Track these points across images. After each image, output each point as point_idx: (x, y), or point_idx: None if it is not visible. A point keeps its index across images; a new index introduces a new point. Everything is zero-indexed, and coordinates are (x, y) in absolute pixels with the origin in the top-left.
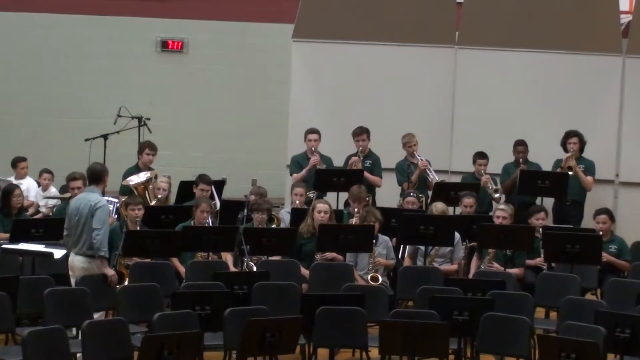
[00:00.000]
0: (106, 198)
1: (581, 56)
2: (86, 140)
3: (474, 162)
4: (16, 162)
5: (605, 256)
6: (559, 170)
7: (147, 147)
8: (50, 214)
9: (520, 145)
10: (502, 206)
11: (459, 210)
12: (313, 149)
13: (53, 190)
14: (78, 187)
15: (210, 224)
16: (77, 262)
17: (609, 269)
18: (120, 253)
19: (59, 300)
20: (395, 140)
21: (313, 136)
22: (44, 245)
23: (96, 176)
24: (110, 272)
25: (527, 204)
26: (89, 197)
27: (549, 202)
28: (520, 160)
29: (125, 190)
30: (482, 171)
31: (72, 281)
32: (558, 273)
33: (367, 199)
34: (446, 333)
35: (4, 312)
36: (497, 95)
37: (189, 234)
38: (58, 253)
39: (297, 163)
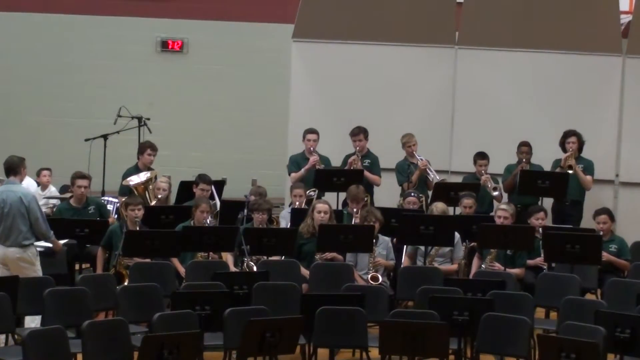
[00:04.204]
0: (106, 198)
1: (581, 56)
2: (86, 140)
3: (475, 162)
4: None
5: (606, 256)
6: (558, 170)
7: (149, 148)
8: (51, 213)
9: (524, 146)
10: (503, 206)
11: (459, 210)
12: (312, 149)
13: (53, 190)
14: (85, 185)
15: (210, 224)
16: (12, 254)
17: (609, 269)
18: (121, 253)
19: (59, 300)
20: (395, 140)
21: (312, 136)
22: (43, 246)
23: (14, 167)
24: (60, 244)
25: (528, 204)
26: (14, 188)
27: (548, 202)
28: (524, 160)
29: (125, 191)
30: (483, 171)
31: (6, 274)
32: (558, 273)
33: (365, 198)
34: (446, 333)
35: (4, 312)
36: (497, 95)
37: (189, 234)
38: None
39: (296, 163)
